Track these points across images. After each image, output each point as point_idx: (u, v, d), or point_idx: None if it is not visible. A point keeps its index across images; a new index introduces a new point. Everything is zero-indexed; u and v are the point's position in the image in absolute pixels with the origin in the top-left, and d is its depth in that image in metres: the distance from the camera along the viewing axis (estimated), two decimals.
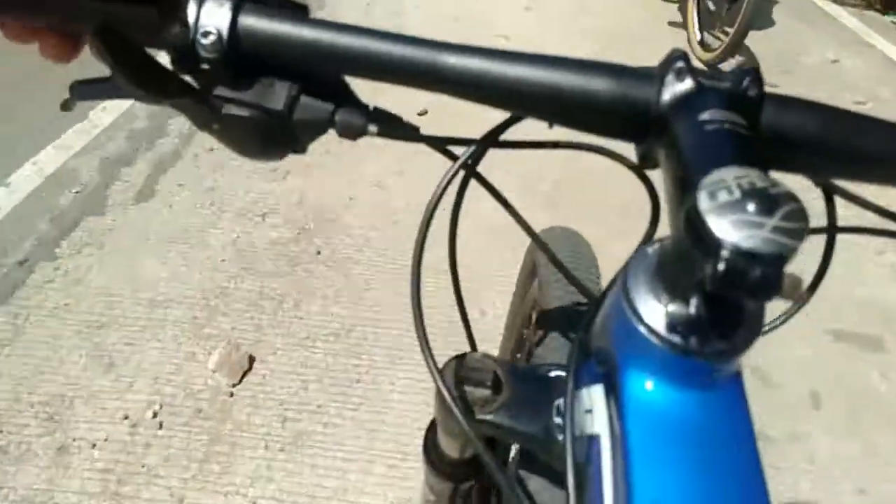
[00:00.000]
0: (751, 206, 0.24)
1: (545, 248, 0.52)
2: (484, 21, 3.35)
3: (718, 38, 3.14)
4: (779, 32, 3.68)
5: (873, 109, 2.86)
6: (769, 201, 0.24)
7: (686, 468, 0.29)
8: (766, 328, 0.35)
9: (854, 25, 3.86)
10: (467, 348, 0.51)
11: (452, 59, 0.32)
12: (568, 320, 0.63)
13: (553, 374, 0.44)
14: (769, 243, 0.23)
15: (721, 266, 0.23)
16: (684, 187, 0.27)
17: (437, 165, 0.42)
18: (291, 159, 0.38)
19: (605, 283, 0.40)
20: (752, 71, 0.31)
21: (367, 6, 3.40)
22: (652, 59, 0.33)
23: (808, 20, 3.88)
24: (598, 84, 0.32)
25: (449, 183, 0.41)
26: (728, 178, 0.25)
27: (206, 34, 0.32)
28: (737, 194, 0.24)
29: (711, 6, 3.17)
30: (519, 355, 0.79)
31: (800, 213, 0.24)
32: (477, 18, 3.37)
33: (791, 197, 0.24)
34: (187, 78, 0.34)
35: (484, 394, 0.43)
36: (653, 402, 0.30)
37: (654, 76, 0.32)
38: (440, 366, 0.42)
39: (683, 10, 3.42)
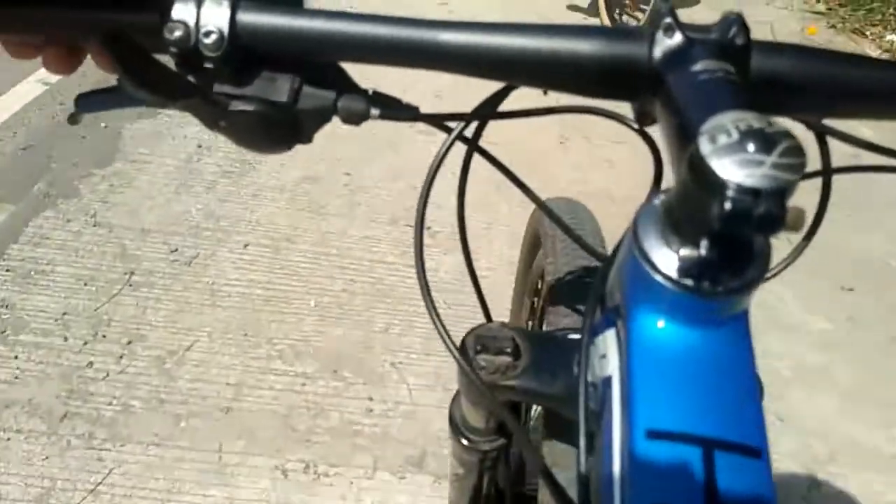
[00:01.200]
0: (750, 146, 0.24)
1: (554, 218, 0.52)
2: None
3: (635, 18, 3.15)
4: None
5: None
6: (767, 140, 0.25)
7: (686, 401, 0.30)
8: (775, 269, 0.42)
9: None
10: None
11: (445, 36, 0.32)
12: (578, 288, 0.63)
13: (570, 337, 0.46)
14: (770, 179, 0.24)
15: (727, 205, 0.24)
16: (684, 135, 0.27)
17: None
18: None
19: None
20: (738, 20, 0.31)
21: None
22: None
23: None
24: (590, 46, 0.32)
25: (444, 156, 0.41)
26: (726, 122, 0.25)
27: (207, 34, 0.32)
28: (735, 136, 0.25)
29: None
30: (530, 324, 0.76)
31: (797, 150, 0.25)
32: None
33: (787, 135, 0.25)
34: (191, 78, 0.34)
35: (505, 361, 0.44)
36: (661, 339, 0.31)
37: (643, 34, 0.32)
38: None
39: None
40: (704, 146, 0.25)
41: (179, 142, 2.17)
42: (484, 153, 0.44)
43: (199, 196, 1.95)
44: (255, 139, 0.36)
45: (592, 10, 3.44)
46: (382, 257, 1.79)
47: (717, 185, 0.24)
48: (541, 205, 0.49)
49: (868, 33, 3.51)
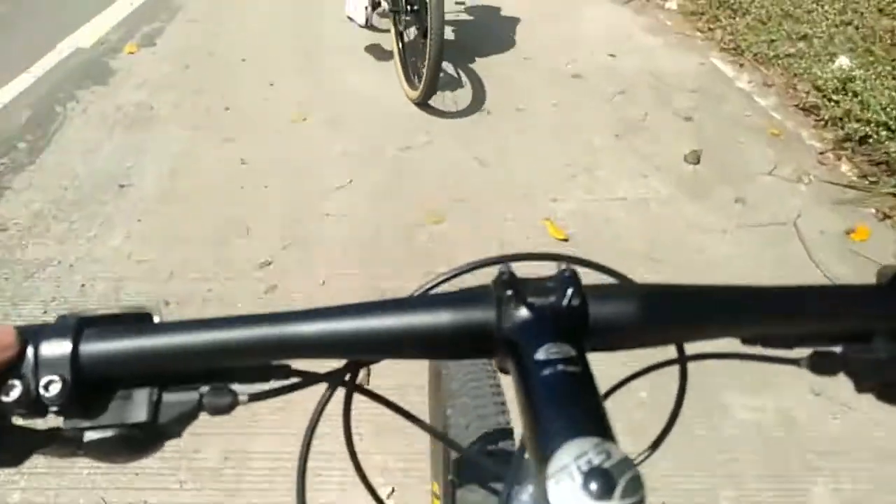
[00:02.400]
0: (593, 487, 0.25)
1: (450, 443, 0.63)
2: None
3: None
4: None
5: None
6: (608, 479, 0.25)
7: None
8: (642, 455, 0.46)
9: None
10: None
11: (303, 327, 0.32)
12: (484, 466, 0.67)
13: None
14: None
15: None
16: (535, 457, 0.28)
17: None
18: None
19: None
20: (570, 278, 0.33)
21: None
22: None
23: None
24: (442, 317, 0.33)
25: (323, 408, 0.41)
26: (569, 462, 0.26)
27: (47, 385, 0.30)
28: (579, 480, 0.25)
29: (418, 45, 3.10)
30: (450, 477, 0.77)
31: (635, 483, 0.26)
32: None
33: (626, 465, 0.26)
34: (39, 424, 0.32)
35: None
36: None
37: (490, 298, 0.33)
38: None
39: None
40: (552, 493, 0.25)
41: None
42: (367, 393, 0.44)
43: None
44: (119, 456, 0.33)
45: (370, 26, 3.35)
46: None
47: None
48: (433, 432, 0.53)
49: None
